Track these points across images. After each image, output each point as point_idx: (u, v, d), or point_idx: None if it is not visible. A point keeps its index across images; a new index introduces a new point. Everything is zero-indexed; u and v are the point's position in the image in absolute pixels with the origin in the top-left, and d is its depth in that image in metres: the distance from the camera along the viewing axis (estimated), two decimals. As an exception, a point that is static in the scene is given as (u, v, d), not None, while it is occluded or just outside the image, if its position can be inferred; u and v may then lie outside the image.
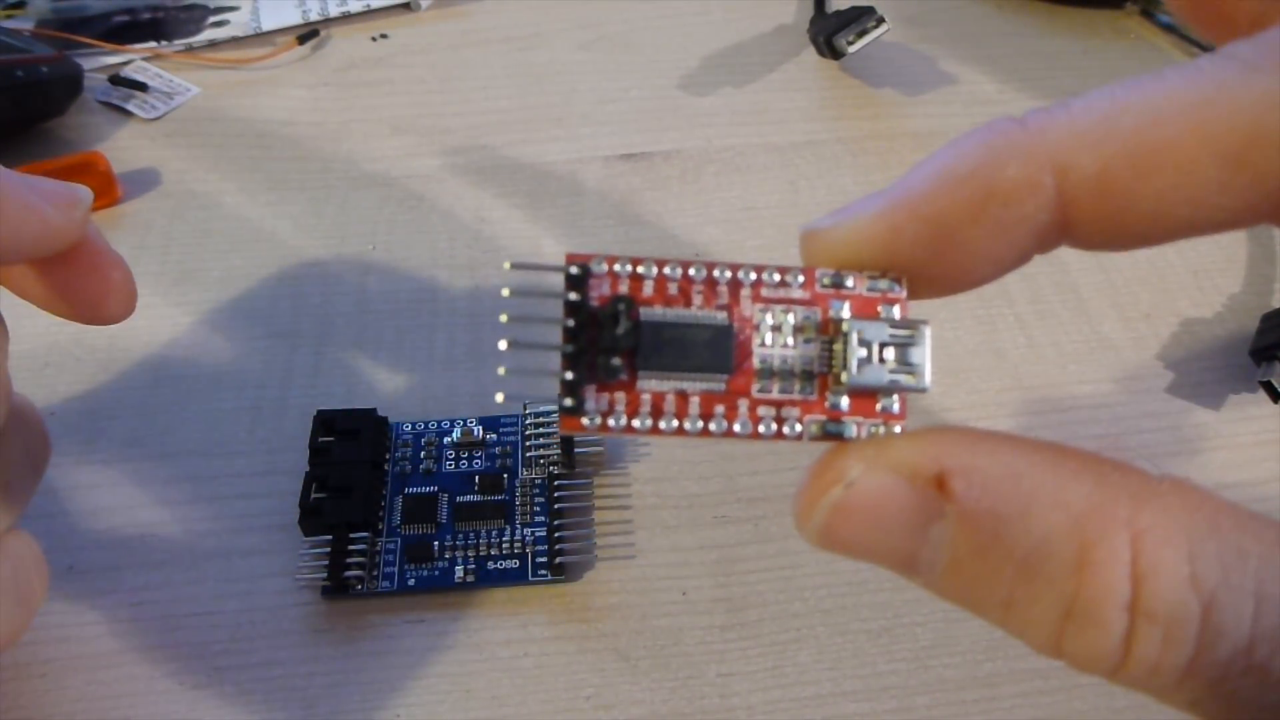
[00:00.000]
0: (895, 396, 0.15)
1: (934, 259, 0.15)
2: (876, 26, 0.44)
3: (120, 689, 0.27)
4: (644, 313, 0.15)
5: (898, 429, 0.15)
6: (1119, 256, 0.38)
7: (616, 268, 0.15)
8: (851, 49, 0.44)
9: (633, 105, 0.45)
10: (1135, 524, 0.13)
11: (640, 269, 0.16)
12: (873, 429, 0.15)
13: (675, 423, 0.15)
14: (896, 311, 0.16)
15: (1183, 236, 0.14)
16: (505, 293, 0.15)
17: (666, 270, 0.16)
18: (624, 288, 0.16)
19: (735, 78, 0.46)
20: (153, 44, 0.47)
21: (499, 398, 0.16)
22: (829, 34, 0.44)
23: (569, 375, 0.15)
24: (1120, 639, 0.13)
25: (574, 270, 0.15)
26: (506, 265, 0.16)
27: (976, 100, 0.45)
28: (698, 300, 0.16)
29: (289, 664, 0.28)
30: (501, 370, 0.15)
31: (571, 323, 0.15)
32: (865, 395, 0.15)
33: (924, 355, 0.15)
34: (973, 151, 0.14)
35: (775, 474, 0.32)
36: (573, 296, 0.15)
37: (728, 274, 0.16)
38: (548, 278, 0.16)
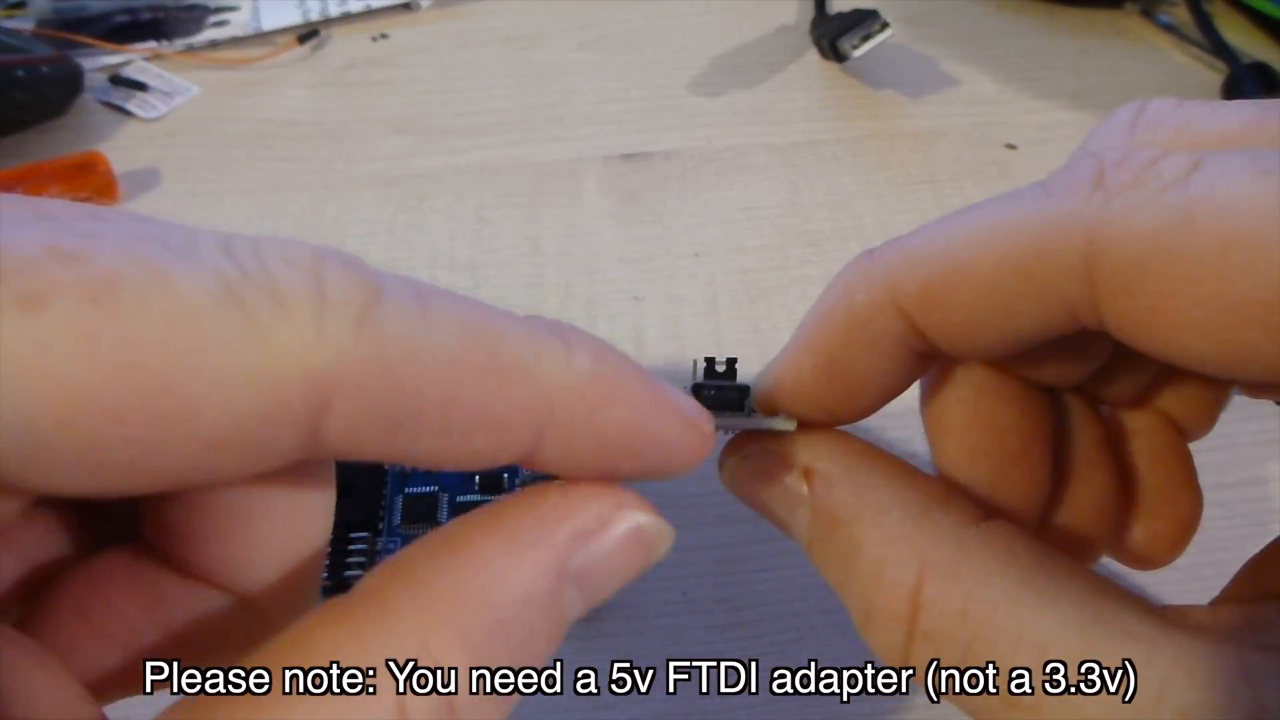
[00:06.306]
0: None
1: (831, 388, 0.17)
2: (881, 30, 0.44)
3: (120, 689, 0.27)
4: None
5: (792, 426, 0.18)
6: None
7: None
8: (856, 53, 0.44)
9: (633, 105, 0.45)
10: (928, 558, 0.15)
11: None
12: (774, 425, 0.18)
13: None
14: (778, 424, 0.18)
15: (1012, 349, 0.16)
16: None
17: None
18: None
19: (736, 78, 0.46)
20: (153, 44, 0.47)
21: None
22: (833, 37, 0.44)
23: None
24: (901, 645, 0.16)
25: None
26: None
27: (976, 100, 0.45)
28: None
29: (289, 664, 0.28)
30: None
31: None
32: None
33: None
34: (837, 287, 0.16)
35: (775, 474, 0.32)
36: None
37: None
38: None
